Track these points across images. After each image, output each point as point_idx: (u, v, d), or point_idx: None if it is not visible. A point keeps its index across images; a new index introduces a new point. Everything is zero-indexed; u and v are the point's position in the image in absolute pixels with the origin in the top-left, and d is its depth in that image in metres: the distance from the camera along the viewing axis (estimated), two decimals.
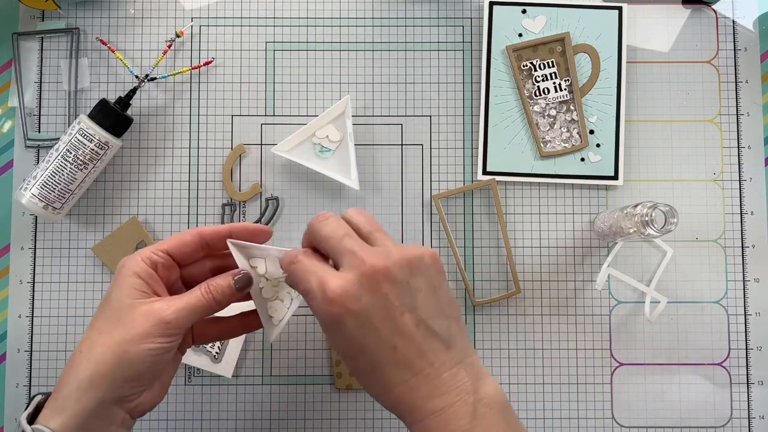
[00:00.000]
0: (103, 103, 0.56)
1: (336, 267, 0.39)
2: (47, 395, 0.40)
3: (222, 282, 0.42)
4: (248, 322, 0.47)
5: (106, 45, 0.60)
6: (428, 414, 0.37)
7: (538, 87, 0.61)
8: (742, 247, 0.61)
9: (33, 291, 0.60)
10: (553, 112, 0.61)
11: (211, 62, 0.61)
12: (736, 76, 0.62)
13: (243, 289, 0.43)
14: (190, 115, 0.61)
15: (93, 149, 0.55)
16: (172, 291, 0.44)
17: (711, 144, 0.61)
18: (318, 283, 0.37)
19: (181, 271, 0.45)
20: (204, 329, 0.46)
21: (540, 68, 0.61)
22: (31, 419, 0.38)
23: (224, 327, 0.47)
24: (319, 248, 0.41)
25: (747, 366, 0.59)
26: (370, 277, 0.37)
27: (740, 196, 0.61)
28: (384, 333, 0.37)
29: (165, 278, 0.43)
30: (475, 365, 0.39)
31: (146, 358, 0.39)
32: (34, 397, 0.40)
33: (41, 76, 0.61)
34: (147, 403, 0.41)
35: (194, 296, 0.41)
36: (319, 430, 0.59)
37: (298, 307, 0.59)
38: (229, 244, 0.56)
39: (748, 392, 0.59)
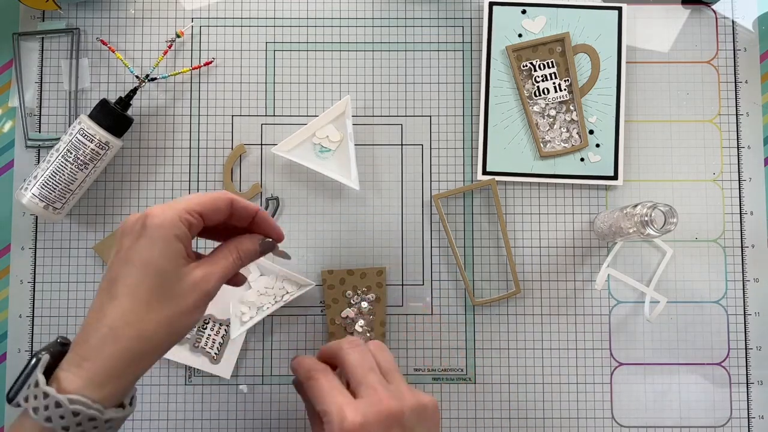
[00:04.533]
0: (103, 103, 0.56)
1: (353, 394, 0.41)
2: (55, 353, 0.38)
3: (251, 247, 0.43)
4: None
5: (106, 45, 0.60)
6: None
7: (538, 87, 0.61)
8: (742, 247, 0.61)
9: (33, 291, 0.60)
10: (552, 112, 0.61)
11: (211, 62, 0.61)
12: (735, 76, 0.62)
13: (264, 254, 0.45)
14: (191, 115, 0.61)
15: (93, 149, 0.55)
16: None
17: (711, 144, 0.61)
18: (338, 411, 0.39)
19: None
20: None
21: (540, 68, 0.61)
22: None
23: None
24: (341, 369, 0.43)
25: (746, 366, 0.60)
26: (385, 417, 0.39)
27: (740, 196, 0.61)
28: None
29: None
30: None
31: (190, 328, 0.39)
32: (36, 356, 0.37)
33: (42, 76, 0.61)
34: None
35: (228, 262, 0.41)
36: None
37: (293, 305, 0.60)
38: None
39: (747, 392, 0.59)
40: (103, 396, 0.36)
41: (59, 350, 0.38)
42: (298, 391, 0.46)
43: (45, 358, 0.37)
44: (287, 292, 0.58)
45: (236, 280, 0.46)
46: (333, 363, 0.44)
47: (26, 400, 0.36)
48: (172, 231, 0.38)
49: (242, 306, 0.58)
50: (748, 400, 0.59)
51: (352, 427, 0.38)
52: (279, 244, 0.46)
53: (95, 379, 0.36)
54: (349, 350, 0.43)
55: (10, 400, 0.36)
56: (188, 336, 0.58)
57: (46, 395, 0.35)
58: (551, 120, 0.61)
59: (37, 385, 0.35)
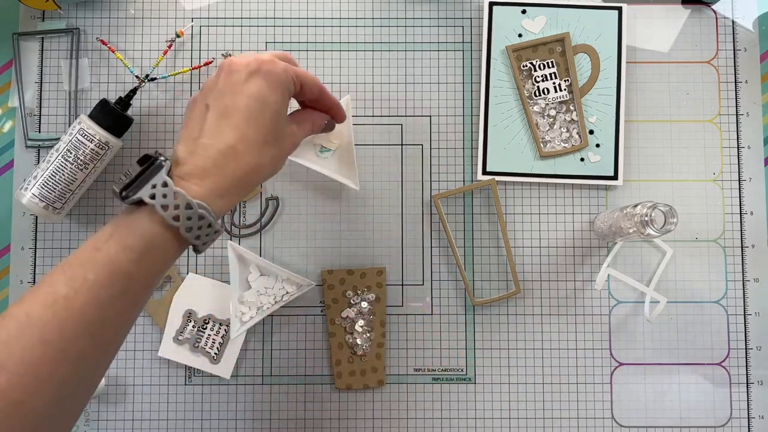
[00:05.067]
0: (103, 103, 0.56)
1: None
2: (167, 161, 0.39)
3: (321, 123, 0.49)
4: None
5: (106, 45, 0.60)
6: None
7: (538, 87, 0.61)
8: (742, 247, 0.61)
9: None
10: (552, 112, 0.61)
11: (211, 62, 0.61)
12: (735, 76, 0.62)
13: (327, 130, 0.51)
14: None
15: (93, 149, 0.55)
16: None
17: (711, 144, 0.61)
18: None
19: None
20: None
21: (540, 68, 0.61)
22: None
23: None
24: None
25: (746, 366, 0.60)
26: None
27: (740, 196, 0.61)
28: None
29: None
30: None
31: (278, 171, 0.45)
32: (155, 160, 0.39)
33: (41, 76, 0.61)
34: None
35: (307, 128, 0.47)
36: (319, 430, 0.59)
37: (293, 305, 0.60)
38: (230, 249, 0.58)
39: (747, 392, 0.59)
40: (217, 208, 0.39)
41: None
42: None
43: (168, 163, 0.39)
44: (287, 293, 0.58)
45: (329, 126, 0.51)
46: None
47: (152, 197, 0.37)
48: (286, 83, 0.42)
49: (242, 306, 0.58)
50: (748, 400, 0.59)
51: None
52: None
53: (215, 192, 0.39)
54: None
55: (125, 198, 0.38)
56: (188, 336, 0.58)
57: (176, 195, 0.37)
58: (551, 120, 0.61)
59: (165, 185, 0.37)
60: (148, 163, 0.39)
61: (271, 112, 0.41)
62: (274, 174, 0.44)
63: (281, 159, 0.44)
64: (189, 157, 0.40)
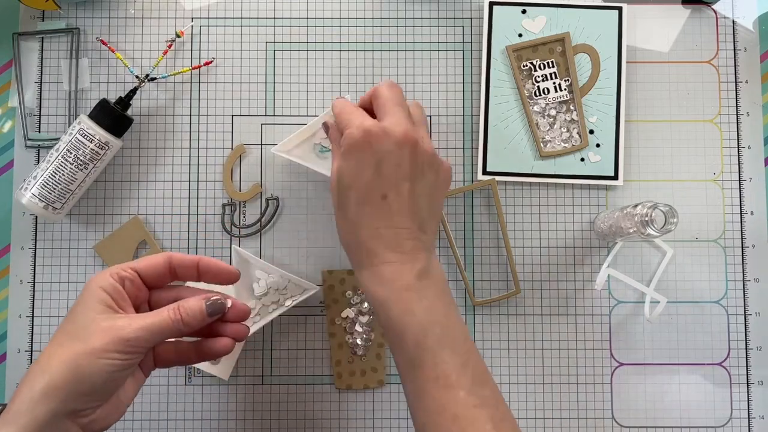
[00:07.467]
0: (103, 103, 0.56)
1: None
2: (5, 406, 0.39)
3: (194, 305, 0.42)
4: (203, 351, 0.46)
5: (106, 45, 0.60)
6: (382, 262, 0.43)
7: (538, 87, 0.61)
8: (742, 247, 0.61)
9: (33, 291, 0.60)
10: (553, 112, 0.61)
11: (211, 62, 0.61)
12: (735, 76, 0.62)
13: (214, 314, 0.43)
14: (191, 115, 0.61)
15: (93, 149, 0.55)
16: (139, 311, 0.44)
17: (711, 144, 0.61)
18: (359, 121, 0.44)
19: (150, 295, 0.45)
20: (165, 353, 0.45)
21: (540, 68, 0.61)
22: None
23: (183, 354, 0.46)
24: (373, 102, 0.47)
25: (747, 366, 0.60)
26: (401, 136, 0.43)
27: (740, 196, 0.61)
28: (385, 179, 0.43)
29: (133, 296, 0.43)
30: (432, 255, 0.45)
31: (101, 373, 0.39)
32: None
33: (41, 76, 0.61)
34: (102, 419, 0.41)
35: (160, 317, 0.41)
36: (319, 430, 0.59)
37: (294, 306, 0.60)
38: (234, 253, 0.58)
39: (748, 392, 0.59)
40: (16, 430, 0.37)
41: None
42: (327, 134, 0.53)
43: None
44: (291, 297, 0.58)
45: (236, 332, 0.46)
46: (369, 108, 0.48)
47: None
48: (98, 284, 0.41)
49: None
50: (748, 400, 0.59)
51: (369, 127, 0.43)
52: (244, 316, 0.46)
53: (8, 419, 0.38)
54: (384, 85, 0.46)
55: None
56: (190, 340, 0.58)
57: None
58: (551, 120, 0.61)
59: None
60: None
61: (69, 318, 0.41)
62: (88, 377, 0.39)
63: (86, 357, 0.39)
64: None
